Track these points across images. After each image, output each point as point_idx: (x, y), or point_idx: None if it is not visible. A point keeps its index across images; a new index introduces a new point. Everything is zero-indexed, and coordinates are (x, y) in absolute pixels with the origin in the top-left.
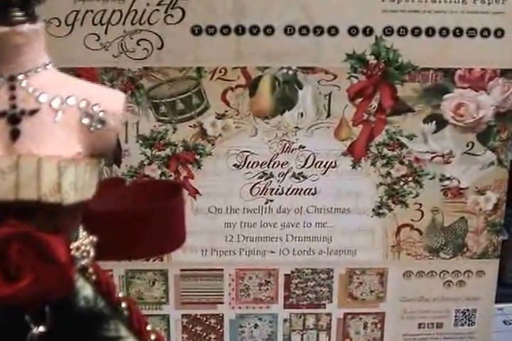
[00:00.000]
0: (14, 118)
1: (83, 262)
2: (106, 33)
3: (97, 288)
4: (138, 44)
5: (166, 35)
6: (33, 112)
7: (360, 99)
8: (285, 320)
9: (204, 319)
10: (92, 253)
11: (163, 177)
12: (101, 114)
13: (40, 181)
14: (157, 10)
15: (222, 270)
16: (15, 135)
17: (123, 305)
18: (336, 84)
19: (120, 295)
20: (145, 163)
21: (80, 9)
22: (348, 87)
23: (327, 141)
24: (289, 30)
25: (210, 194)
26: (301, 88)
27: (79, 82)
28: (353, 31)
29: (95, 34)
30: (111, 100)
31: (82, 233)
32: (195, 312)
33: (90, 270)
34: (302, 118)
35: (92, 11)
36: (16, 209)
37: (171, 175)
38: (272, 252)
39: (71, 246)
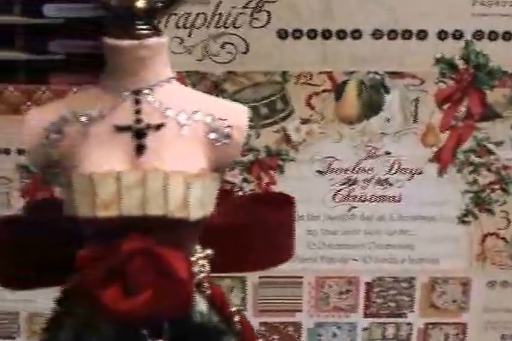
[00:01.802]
0: (140, 133)
1: (199, 276)
2: (190, 36)
3: (211, 303)
4: (222, 47)
5: (251, 39)
6: (159, 127)
7: (448, 105)
8: (364, 329)
9: (282, 327)
10: (207, 268)
11: (244, 183)
12: (227, 129)
13: (168, 197)
14: (242, 13)
15: (301, 277)
16: (140, 150)
17: (235, 319)
18: (423, 89)
19: (233, 309)
20: (227, 168)
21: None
22: (436, 92)
23: (413, 147)
24: (376, 34)
25: None
26: (388, 93)
27: (203, 95)
28: (442, 35)
29: (179, 37)
30: (236, 114)
31: (199, 248)
32: (273, 320)
33: (205, 284)
34: (388, 124)
35: (175, 14)
36: (141, 224)
37: (252, 181)
38: (353, 260)
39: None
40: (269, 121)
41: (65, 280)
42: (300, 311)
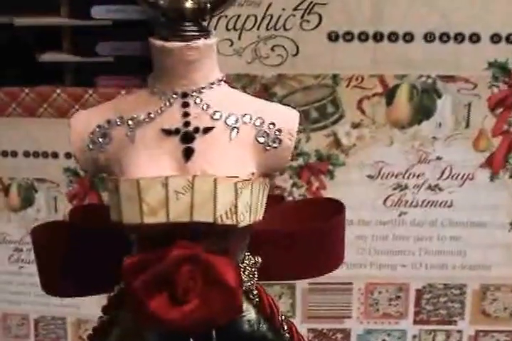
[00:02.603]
0: (188, 137)
1: (248, 284)
2: (240, 38)
3: (260, 311)
4: (272, 50)
5: (301, 41)
6: (208, 130)
7: (500, 109)
8: (414, 337)
9: (331, 333)
10: (256, 275)
11: (294, 188)
12: (277, 133)
13: (216, 203)
14: (293, 15)
15: (351, 284)
16: (188, 154)
17: (285, 327)
18: (476, 94)
19: (283, 317)
20: (276, 172)
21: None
22: (489, 96)
23: (465, 152)
24: (428, 38)
25: None
26: (439, 97)
27: (251, 98)
28: (495, 39)
29: (229, 39)
30: (286, 118)
31: (247, 255)
32: (322, 327)
33: (254, 292)
34: (440, 129)
35: (226, 16)
36: (188, 230)
37: (302, 186)
38: (403, 266)
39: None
40: (319, 124)
41: (112, 287)
42: (349, 317)
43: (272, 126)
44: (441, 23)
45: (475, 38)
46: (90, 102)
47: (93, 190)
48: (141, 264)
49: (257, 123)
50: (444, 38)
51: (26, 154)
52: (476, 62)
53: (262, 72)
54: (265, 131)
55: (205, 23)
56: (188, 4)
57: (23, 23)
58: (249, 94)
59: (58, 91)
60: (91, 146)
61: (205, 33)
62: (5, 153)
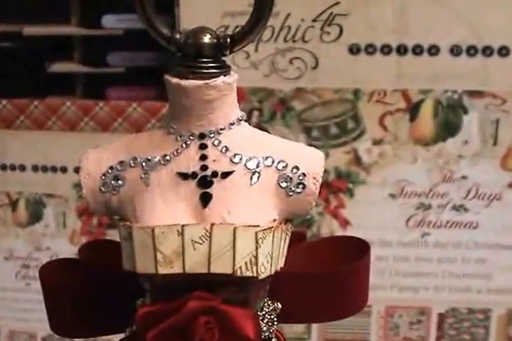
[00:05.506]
0: (205, 181)
1: (267, 333)
2: (256, 50)
3: None
4: (290, 63)
5: (321, 54)
6: (227, 174)
7: None
8: None
9: None
10: (275, 322)
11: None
12: (300, 177)
13: (236, 254)
14: (312, 26)
15: (370, 306)
16: (206, 200)
17: None
18: (504, 110)
19: None
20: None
21: (229, 24)
22: None
23: (492, 171)
24: (455, 51)
25: (362, 225)
26: (466, 113)
27: (273, 138)
28: None
29: (245, 51)
30: (310, 161)
31: (266, 300)
32: None
33: (273, 340)
34: (466, 146)
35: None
36: (206, 281)
37: (320, 204)
38: (425, 289)
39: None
40: (339, 141)
41: (123, 329)
42: None
43: (295, 170)
44: (468, 35)
45: (504, 51)
46: (101, 115)
47: None
48: (156, 315)
49: (280, 166)
50: (472, 51)
51: (35, 168)
52: (505, 76)
53: (280, 85)
54: (288, 176)
55: (224, 59)
56: (207, 39)
57: (32, 33)
58: (264, 107)
59: (68, 103)
60: (103, 189)
61: (224, 70)
62: (13, 167)
